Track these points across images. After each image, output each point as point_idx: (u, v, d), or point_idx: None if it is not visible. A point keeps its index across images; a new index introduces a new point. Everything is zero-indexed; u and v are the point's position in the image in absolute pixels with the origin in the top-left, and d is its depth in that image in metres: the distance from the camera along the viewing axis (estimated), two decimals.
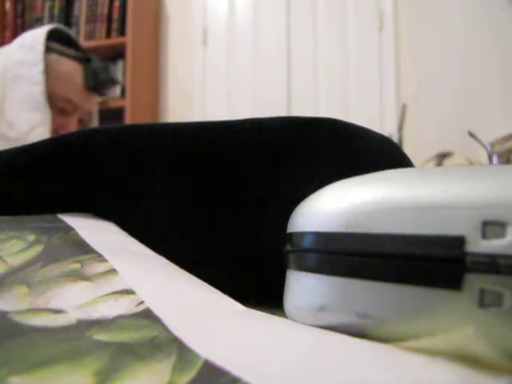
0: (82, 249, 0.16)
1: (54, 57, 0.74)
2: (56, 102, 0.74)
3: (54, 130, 0.74)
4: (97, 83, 0.78)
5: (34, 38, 0.73)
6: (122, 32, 1.81)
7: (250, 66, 1.87)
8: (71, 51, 0.77)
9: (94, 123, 0.85)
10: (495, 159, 0.76)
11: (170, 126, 0.20)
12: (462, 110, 1.28)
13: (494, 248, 0.09)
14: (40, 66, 0.71)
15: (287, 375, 0.09)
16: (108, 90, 0.83)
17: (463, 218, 0.10)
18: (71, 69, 0.76)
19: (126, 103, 1.73)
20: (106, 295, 0.12)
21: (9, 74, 0.71)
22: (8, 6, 1.94)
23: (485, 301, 0.09)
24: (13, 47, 0.75)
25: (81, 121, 0.80)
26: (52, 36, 0.75)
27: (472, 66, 1.26)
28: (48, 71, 0.73)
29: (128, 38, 1.76)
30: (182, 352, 0.10)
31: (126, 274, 0.14)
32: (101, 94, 0.81)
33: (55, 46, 0.75)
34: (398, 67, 1.71)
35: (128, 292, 0.12)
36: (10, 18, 1.94)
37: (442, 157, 0.90)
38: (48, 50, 0.74)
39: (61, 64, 0.75)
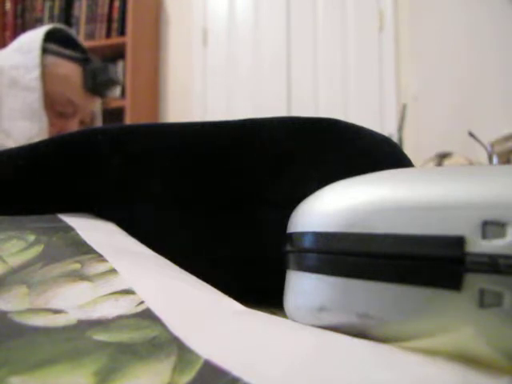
0: (82, 249, 0.16)
1: (51, 59, 0.73)
2: (55, 106, 0.73)
3: (56, 134, 0.73)
4: (96, 84, 0.76)
5: (31, 41, 0.72)
6: (122, 32, 1.81)
7: (250, 65, 1.87)
8: (69, 52, 0.75)
9: (98, 124, 0.84)
10: (495, 159, 0.76)
11: (169, 126, 0.20)
12: (462, 110, 1.28)
13: (494, 248, 0.09)
14: (36, 72, 0.70)
15: (287, 375, 0.09)
16: (108, 90, 0.81)
17: (463, 218, 0.10)
18: (69, 71, 0.75)
19: (126, 103, 1.73)
20: (106, 295, 0.12)
21: (4, 80, 0.69)
22: (8, 6, 1.94)
23: (485, 301, 0.09)
24: (8, 50, 0.73)
25: (82, 122, 0.79)
26: (50, 37, 0.74)
27: (472, 66, 1.26)
28: (45, 74, 0.71)
29: (128, 38, 1.76)
30: (182, 352, 0.10)
31: (126, 274, 0.14)
32: (101, 95, 0.80)
33: (53, 47, 0.74)
34: (397, 67, 1.71)
35: (128, 292, 0.12)
36: (10, 17, 1.94)
37: (442, 157, 0.90)
38: (45, 52, 0.72)
39: (58, 66, 0.74)
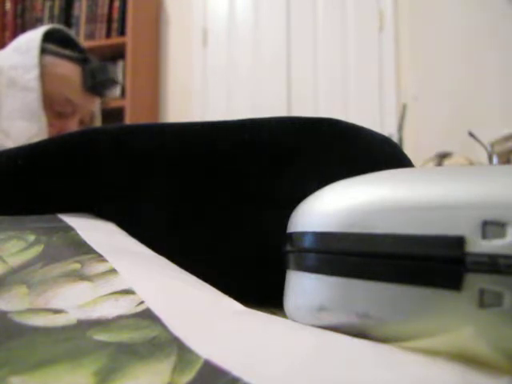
0: (82, 249, 0.16)
1: (49, 59, 0.73)
2: (54, 106, 0.73)
3: (55, 134, 0.73)
4: (95, 84, 0.76)
5: (30, 40, 0.72)
6: (122, 32, 1.81)
7: (250, 66, 1.87)
8: (68, 52, 0.75)
9: (97, 124, 0.84)
10: (495, 159, 0.76)
11: (169, 126, 0.20)
12: (462, 110, 1.28)
13: (494, 248, 0.09)
14: (35, 71, 0.69)
15: (287, 375, 0.09)
16: (107, 90, 0.81)
17: (463, 218, 0.10)
18: (68, 71, 0.75)
19: (126, 103, 1.73)
20: (106, 295, 0.12)
21: (3, 80, 0.69)
22: (8, 6, 1.94)
23: (485, 301, 0.09)
24: (7, 50, 0.73)
25: (82, 122, 0.79)
26: (49, 37, 0.74)
27: (472, 66, 1.26)
28: (44, 74, 0.71)
29: (128, 38, 1.76)
30: (181, 352, 0.10)
31: (126, 274, 0.14)
32: (100, 94, 0.80)
33: (51, 47, 0.74)
34: (397, 67, 1.71)
35: (128, 292, 0.12)
36: (10, 17, 1.94)
37: (442, 157, 0.90)
38: (44, 52, 0.72)
39: (57, 66, 0.74)
